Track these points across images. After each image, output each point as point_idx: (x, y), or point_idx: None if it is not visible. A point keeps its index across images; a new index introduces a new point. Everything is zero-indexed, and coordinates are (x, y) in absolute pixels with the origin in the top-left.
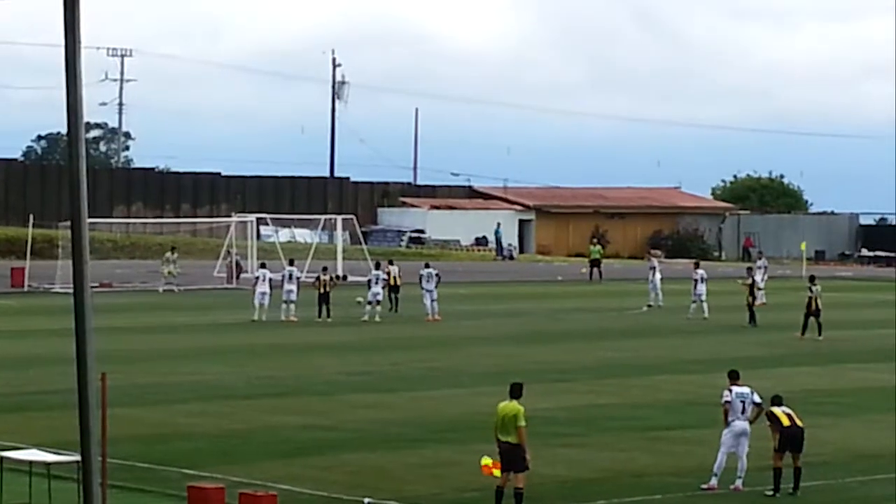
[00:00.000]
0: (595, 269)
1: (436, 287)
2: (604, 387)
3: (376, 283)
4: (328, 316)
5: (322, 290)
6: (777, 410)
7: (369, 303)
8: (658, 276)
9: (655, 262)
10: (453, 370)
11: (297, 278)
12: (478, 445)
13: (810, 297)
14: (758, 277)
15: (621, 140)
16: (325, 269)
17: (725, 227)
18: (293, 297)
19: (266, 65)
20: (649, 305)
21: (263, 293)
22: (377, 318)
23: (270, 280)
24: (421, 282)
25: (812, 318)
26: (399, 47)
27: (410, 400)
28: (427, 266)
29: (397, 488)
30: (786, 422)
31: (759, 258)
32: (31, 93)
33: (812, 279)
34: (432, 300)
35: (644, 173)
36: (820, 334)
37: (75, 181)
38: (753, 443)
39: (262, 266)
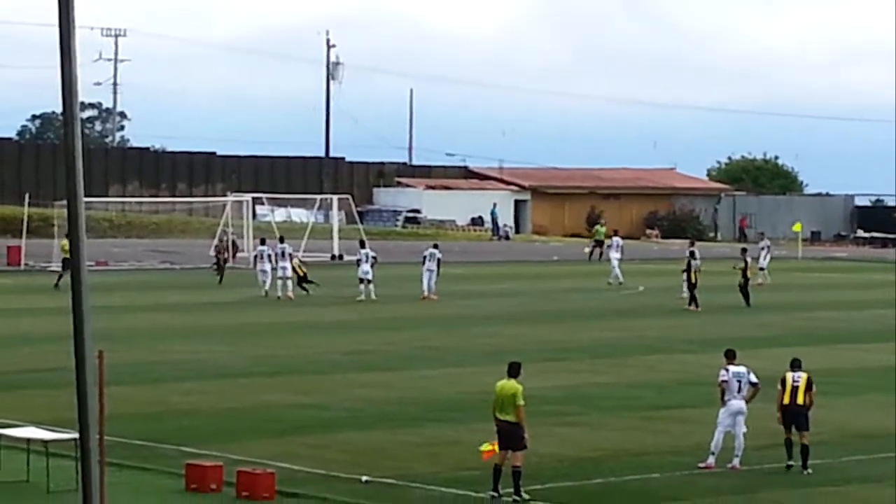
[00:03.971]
0: (597, 249)
1: (437, 268)
2: (601, 366)
3: (365, 261)
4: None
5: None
6: (788, 381)
7: (361, 281)
8: (616, 255)
9: (617, 240)
10: (450, 349)
11: (290, 255)
12: (476, 424)
13: (687, 271)
14: (761, 258)
15: (617, 121)
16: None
17: (721, 208)
18: (288, 273)
19: (260, 45)
20: (609, 283)
21: (264, 271)
22: (374, 297)
23: (270, 257)
24: (424, 260)
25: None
26: (392, 28)
27: (408, 379)
28: (435, 247)
29: (395, 467)
30: (786, 400)
31: (762, 239)
32: (24, 72)
33: (692, 254)
34: (430, 280)
35: (640, 154)
36: (696, 306)
37: (71, 160)
38: (750, 422)
39: (262, 243)
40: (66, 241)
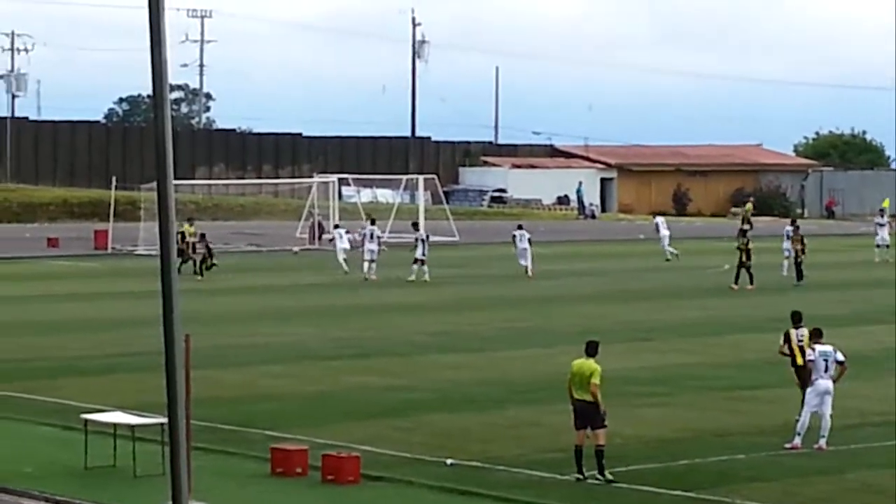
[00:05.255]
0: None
1: (529, 245)
2: (686, 346)
3: (371, 239)
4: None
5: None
6: (793, 338)
7: (415, 262)
8: (665, 232)
9: (660, 219)
10: (536, 330)
11: (378, 237)
12: (560, 405)
13: (742, 249)
14: (880, 235)
15: (702, 96)
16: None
17: (808, 184)
18: (374, 255)
19: (344, 25)
20: (667, 260)
21: (344, 249)
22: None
23: (350, 240)
24: (514, 242)
25: (743, 269)
26: (475, 5)
27: (492, 360)
28: (520, 228)
29: (480, 449)
30: (799, 361)
31: (881, 215)
32: (111, 55)
33: (743, 233)
34: (528, 258)
35: (726, 130)
36: (751, 282)
37: (161, 143)
38: (837, 402)
39: (335, 227)
40: (187, 225)
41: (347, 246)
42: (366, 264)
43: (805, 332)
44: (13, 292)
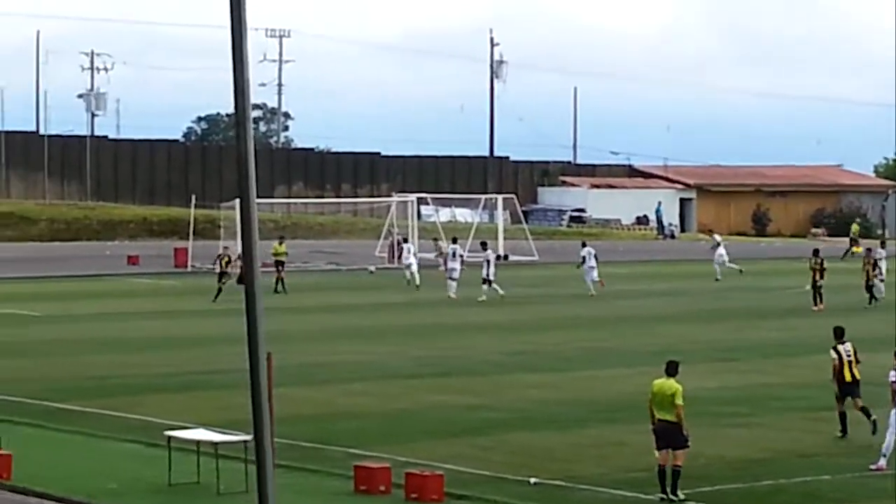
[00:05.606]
0: (854, 248)
1: (596, 262)
2: (768, 366)
3: (453, 258)
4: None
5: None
6: (843, 354)
7: (484, 282)
8: (721, 250)
9: (717, 237)
10: (616, 350)
11: (461, 256)
12: (642, 425)
13: (814, 269)
14: None
15: (781, 117)
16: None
17: (888, 205)
18: (456, 274)
19: (421, 44)
20: (717, 279)
21: (410, 265)
22: (501, 293)
23: (416, 255)
24: (584, 261)
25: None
26: (552, 25)
27: (573, 380)
28: (584, 245)
29: (562, 468)
30: (847, 377)
31: None
32: (189, 74)
33: (816, 252)
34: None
35: (805, 151)
36: (821, 301)
37: (243, 163)
38: None
39: (405, 241)
40: (277, 244)
41: (413, 261)
42: (449, 282)
43: (850, 346)
44: (94, 309)
